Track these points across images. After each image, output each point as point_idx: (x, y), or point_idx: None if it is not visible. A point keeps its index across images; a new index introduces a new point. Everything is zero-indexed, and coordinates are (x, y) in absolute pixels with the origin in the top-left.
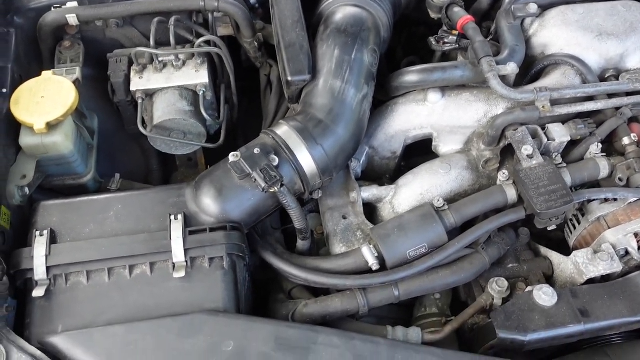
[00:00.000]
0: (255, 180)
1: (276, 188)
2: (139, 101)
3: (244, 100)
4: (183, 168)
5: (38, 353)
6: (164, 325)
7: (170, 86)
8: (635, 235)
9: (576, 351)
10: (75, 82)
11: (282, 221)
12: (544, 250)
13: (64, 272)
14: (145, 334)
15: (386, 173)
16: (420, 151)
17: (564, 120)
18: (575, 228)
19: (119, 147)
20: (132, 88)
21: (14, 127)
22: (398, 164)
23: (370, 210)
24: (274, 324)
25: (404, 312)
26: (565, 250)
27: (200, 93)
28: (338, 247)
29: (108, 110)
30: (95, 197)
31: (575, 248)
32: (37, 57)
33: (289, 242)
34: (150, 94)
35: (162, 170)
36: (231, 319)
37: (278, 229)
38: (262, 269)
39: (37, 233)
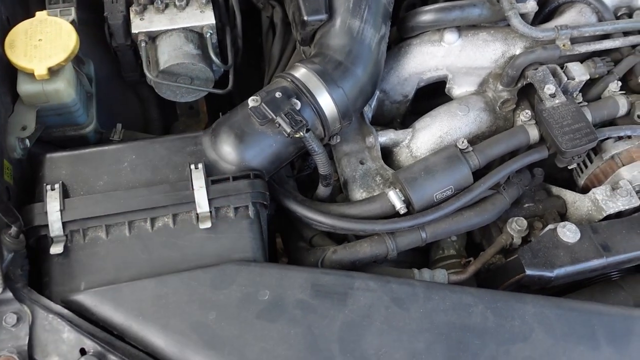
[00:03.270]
0: (279, 125)
1: (302, 133)
2: (142, 45)
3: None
4: (184, 117)
5: (65, 311)
6: (196, 277)
7: (174, 28)
8: None
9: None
10: (72, 23)
11: (292, 169)
12: (556, 190)
13: (81, 227)
14: (177, 287)
15: (396, 117)
16: (425, 95)
17: (580, 59)
18: (586, 167)
19: (115, 96)
20: (134, 30)
21: (9, 73)
22: (408, 107)
23: (385, 155)
24: (308, 271)
25: (419, 256)
26: (572, 190)
27: (207, 35)
28: (358, 193)
29: (102, 56)
30: (105, 148)
31: (586, 186)
32: None
33: (301, 190)
34: (153, 37)
35: (162, 120)
36: (264, 268)
37: (292, 177)
38: (277, 218)
39: (48, 187)
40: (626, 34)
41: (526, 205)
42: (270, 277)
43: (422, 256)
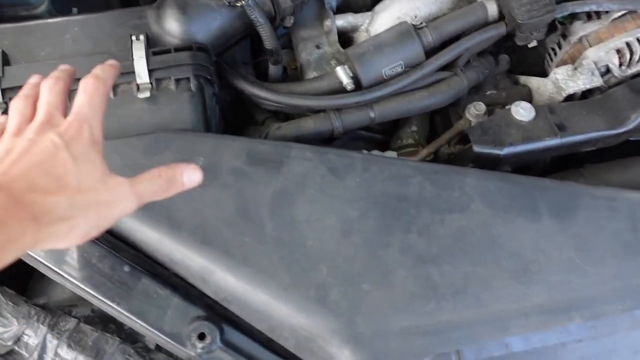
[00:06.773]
0: None
1: (242, 1)
2: None
3: None
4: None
5: None
6: (129, 144)
7: None
8: (617, 51)
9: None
10: None
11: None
12: (523, 79)
13: None
14: (111, 153)
15: (362, 8)
16: None
17: None
18: (556, 54)
19: None
20: None
21: None
22: None
23: (346, 41)
24: (246, 141)
25: (379, 148)
26: None
27: None
28: (312, 76)
29: None
30: (50, 20)
31: None
32: None
33: (259, 78)
34: None
35: (123, 5)
36: (199, 137)
37: (248, 63)
38: (233, 108)
39: None
40: None
41: (488, 92)
42: (205, 145)
43: (383, 148)
